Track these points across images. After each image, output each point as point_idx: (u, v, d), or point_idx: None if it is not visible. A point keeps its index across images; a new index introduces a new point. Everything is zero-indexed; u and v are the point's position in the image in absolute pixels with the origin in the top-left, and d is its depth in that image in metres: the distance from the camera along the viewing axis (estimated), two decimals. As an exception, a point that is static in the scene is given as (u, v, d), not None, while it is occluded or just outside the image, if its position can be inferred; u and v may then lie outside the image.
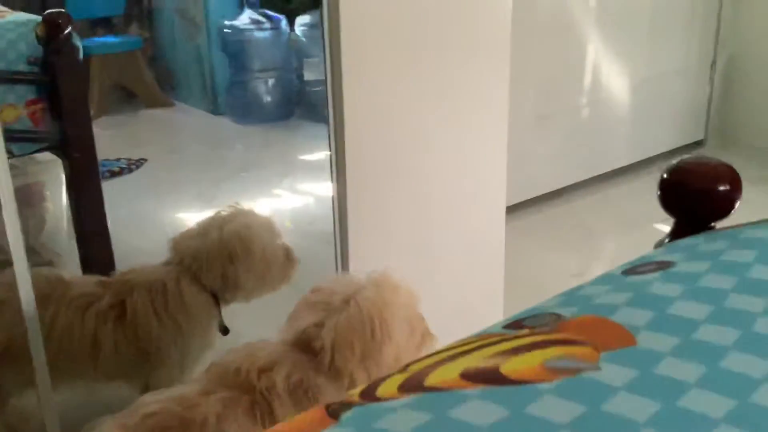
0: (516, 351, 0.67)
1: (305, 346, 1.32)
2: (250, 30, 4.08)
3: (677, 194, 1.07)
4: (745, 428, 0.56)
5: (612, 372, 0.62)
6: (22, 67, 1.95)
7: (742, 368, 0.62)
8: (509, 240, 2.13)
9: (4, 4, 2.22)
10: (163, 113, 4.29)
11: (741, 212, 1.06)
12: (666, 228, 1.11)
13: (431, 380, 0.65)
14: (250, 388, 1.24)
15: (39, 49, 1.95)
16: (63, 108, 1.95)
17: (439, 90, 1.85)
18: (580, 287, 0.83)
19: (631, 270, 0.85)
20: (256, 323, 1.82)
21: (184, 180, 3.31)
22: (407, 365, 0.70)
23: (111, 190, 2.28)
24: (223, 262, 1.63)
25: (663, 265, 0.83)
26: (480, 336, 0.74)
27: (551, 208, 3.19)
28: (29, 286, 1.42)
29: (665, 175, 1.07)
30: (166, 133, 4.16)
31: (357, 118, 1.71)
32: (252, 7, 4.13)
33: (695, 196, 1.06)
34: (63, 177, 2.17)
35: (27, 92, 1.96)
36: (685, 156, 1.12)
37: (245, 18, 4.10)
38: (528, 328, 0.73)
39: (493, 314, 2.12)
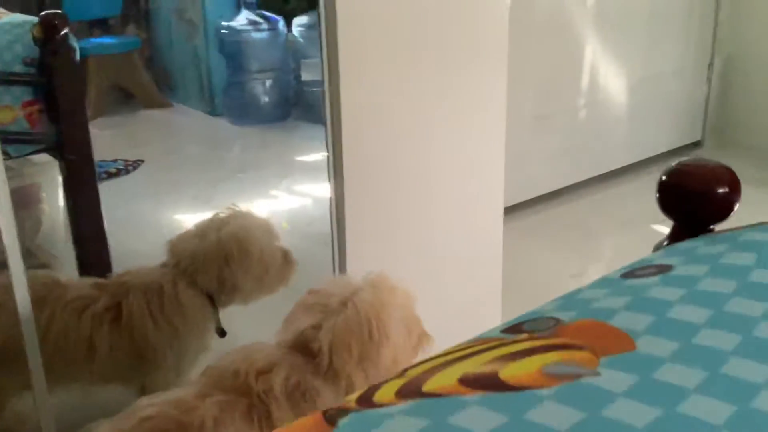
0: (515, 356, 0.67)
1: (303, 348, 1.31)
2: (248, 31, 4.08)
3: (676, 196, 1.07)
4: (746, 434, 0.56)
5: (611, 377, 0.62)
6: (19, 68, 1.95)
7: (742, 373, 0.62)
8: (507, 241, 2.12)
9: (0, 6, 2.22)
10: (161, 114, 4.29)
11: (739, 213, 1.06)
12: (664, 229, 1.10)
13: (429, 386, 0.64)
14: (247, 391, 1.23)
15: (35, 50, 1.95)
16: (59, 109, 1.94)
17: (437, 91, 1.84)
18: (578, 291, 0.82)
19: (630, 273, 0.85)
20: (253, 325, 1.81)
21: (181, 181, 3.30)
22: (405, 370, 0.70)
23: (108, 192, 2.28)
24: (219, 264, 1.63)
25: (662, 269, 0.83)
26: (478, 340, 0.73)
27: (549, 209, 3.19)
28: (25, 288, 1.41)
29: (664, 178, 1.07)
30: (164, 134, 4.15)
31: (354, 119, 1.70)
32: (249, 7, 4.12)
33: (694, 199, 1.05)
34: (59, 178, 2.16)
35: (23, 93, 1.95)
36: (684, 158, 1.12)
37: (242, 19, 4.10)
38: (527, 332, 0.72)
39: (491, 315, 2.12)
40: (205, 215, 1.73)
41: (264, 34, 4.10)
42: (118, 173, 3.29)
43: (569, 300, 0.80)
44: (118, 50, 4.22)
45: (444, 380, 0.65)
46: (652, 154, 3.59)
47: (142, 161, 3.42)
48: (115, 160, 3.36)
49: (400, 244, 1.89)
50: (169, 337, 1.63)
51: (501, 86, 1.96)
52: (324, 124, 1.71)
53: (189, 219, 2.82)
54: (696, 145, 3.84)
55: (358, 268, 1.66)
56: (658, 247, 1.04)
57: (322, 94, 1.70)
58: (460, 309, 2.04)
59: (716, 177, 1.05)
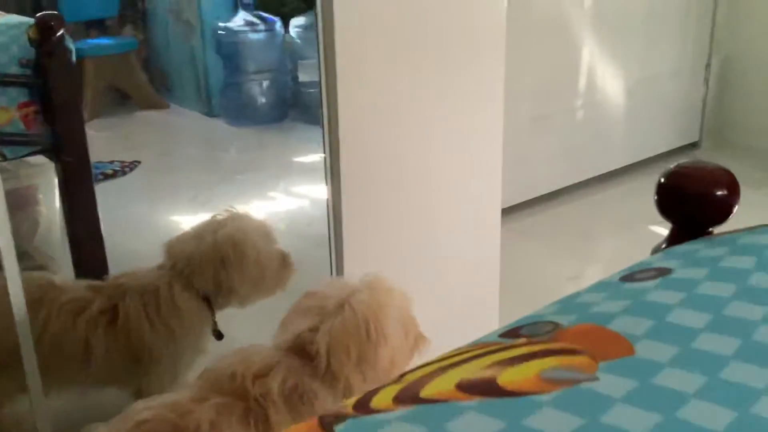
0: (513, 361, 0.66)
1: (300, 350, 1.31)
2: (245, 32, 4.07)
3: (675, 199, 1.06)
4: (747, 440, 0.55)
5: (610, 383, 0.61)
6: (15, 69, 1.94)
7: (742, 378, 0.61)
8: (505, 242, 2.12)
9: (-3, 7, 2.21)
10: (157, 115, 4.28)
11: (736, 214, 1.05)
12: (662, 230, 1.10)
13: (427, 391, 0.64)
14: (244, 395, 1.22)
15: (31, 52, 1.94)
16: (56, 111, 1.94)
17: (434, 92, 1.84)
18: (577, 294, 0.82)
19: (629, 277, 0.84)
20: (250, 328, 1.81)
21: (178, 182, 3.30)
22: (402, 375, 0.69)
23: (104, 193, 2.27)
24: (216, 266, 1.62)
25: (661, 272, 0.82)
26: (476, 345, 0.73)
27: (547, 210, 3.19)
28: (20, 290, 1.40)
29: (662, 180, 1.06)
30: (160, 135, 4.14)
31: (351, 120, 1.70)
32: (246, 8, 4.12)
33: (693, 201, 1.05)
34: (56, 180, 2.16)
35: (19, 95, 1.94)
36: (682, 160, 1.11)
37: (239, 20, 4.09)
38: (525, 336, 0.72)
39: (488, 317, 2.11)
40: (202, 217, 1.72)
41: (261, 35, 4.10)
42: (114, 175, 3.28)
43: (568, 304, 0.79)
44: (115, 51, 4.22)
45: (442, 385, 0.64)
46: (649, 155, 3.59)
47: (139, 162, 3.41)
48: (111, 162, 3.36)
49: (397, 245, 1.88)
50: (165, 340, 1.63)
51: (499, 87, 1.96)
52: (321, 125, 1.71)
53: (186, 220, 2.82)
54: (693, 146, 3.84)
55: (355, 270, 1.65)
56: (656, 250, 1.03)
57: (319, 95, 1.69)
58: (458, 310, 2.04)
59: (715, 179, 1.05)
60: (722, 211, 1.04)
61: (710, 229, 1.05)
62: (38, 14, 1.94)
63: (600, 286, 0.83)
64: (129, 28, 4.44)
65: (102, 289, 1.64)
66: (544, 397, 0.60)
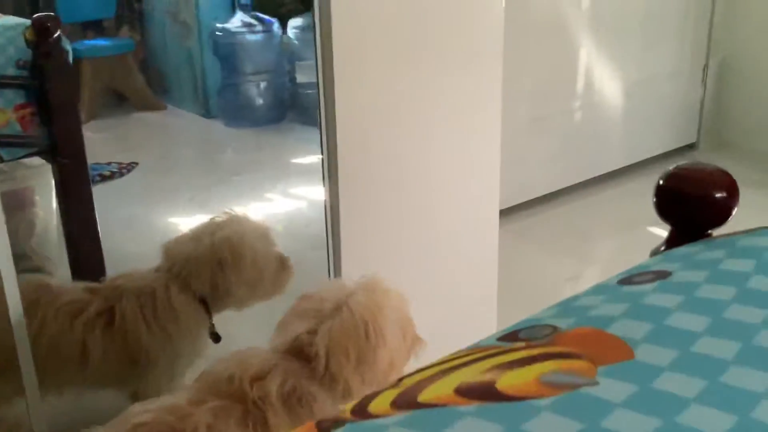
0: (512, 365, 0.66)
1: (298, 353, 1.30)
2: (242, 33, 4.07)
3: (673, 201, 1.06)
4: (747, 445, 0.55)
5: (610, 387, 0.61)
6: (11, 71, 1.93)
7: (742, 383, 0.61)
8: (503, 243, 2.12)
9: (-6, 8, 2.21)
10: (155, 116, 4.27)
11: (734, 214, 1.05)
12: (660, 231, 1.09)
13: (425, 396, 0.63)
14: (242, 397, 1.22)
15: (28, 53, 1.93)
16: (52, 112, 1.93)
17: (432, 93, 1.84)
18: (575, 297, 0.81)
19: (628, 279, 0.84)
20: (249, 330, 1.81)
21: (175, 184, 3.29)
22: (400, 379, 0.69)
23: (102, 195, 2.27)
24: (212, 268, 1.62)
25: (660, 275, 0.82)
26: (475, 348, 0.73)
27: (545, 211, 3.19)
28: (16, 292, 1.40)
29: (661, 182, 1.06)
30: (158, 137, 4.14)
31: (349, 122, 1.70)
32: (244, 9, 4.11)
33: (692, 203, 1.04)
34: (53, 182, 2.15)
35: (16, 96, 1.94)
36: (681, 162, 1.11)
37: (237, 21, 4.08)
38: (523, 340, 0.72)
39: (487, 318, 2.11)
40: (200, 218, 1.72)
41: (258, 36, 4.09)
42: (111, 176, 3.27)
43: (566, 307, 0.79)
44: (112, 52, 4.21)
45: (440, 390, 0.64)
46: (647, 156, 3.59)
47: (136, 164, 3.41)
48: (108, 163, 3.35)
49: (395, 246, 1.88)
50: (162, 342, 1.62)
51: (497, 88, 1.95)
52: (319, 126, 1.71)
53: (183, 222, 2.82)
54: (691, 147, 3.84)
55: (353, 271, 1.65)
56: (655, 252, 1.03)
57: (317, 97, 1.69)
58: (456, 311, 2.04)
59: (714, 181, 1.04)
60: (721, 213, 1.04)
61: (709, 232, 1.04)
62: (35, 15, 1.94)
63: (598, 289, 0.83)
64: (126, 30, 4.43)
65: (99, 291, 1.64)
66: (544, 402, 0.60)
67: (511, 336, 0.74)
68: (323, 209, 1.78)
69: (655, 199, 1.07)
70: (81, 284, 1.67)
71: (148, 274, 1.67)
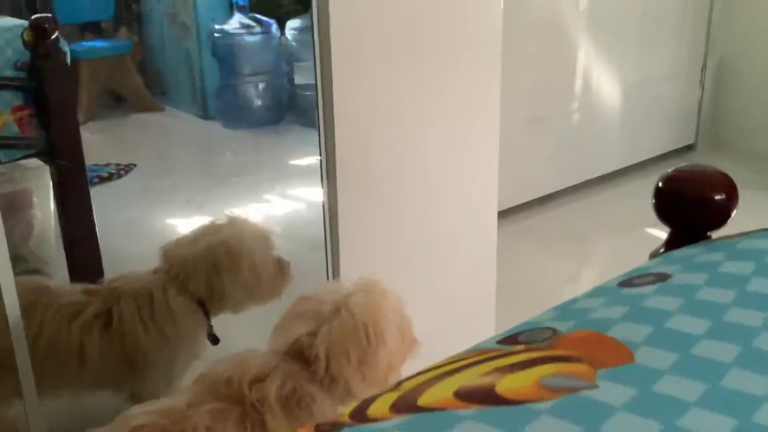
0: (512, 368, 0.66)
1: (297, 355, 1.30)
2: (240, 34, 4.07)
3: (673, 203, 1.06)
4: (748, 449, 0.55)
5: (610, 390, 0.61)
6: (9, 72, 1.93)
7: (743, 386, 0.61)
8: (501, 244, 2.12)
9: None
10: (153, 118, 4.27)
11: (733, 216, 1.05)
12: (658, 232, 1.09)
13: (424, 399, 0.63)
14: (240, 400, 1.22)
15: (26, 55, 1.93)
16: (50, 114, 1.93)
17: (431, 94, 1.83)
18: (575, 300, 0.81)
19: (627, 282, 0.83)
20: (247, 332, 1.80)
21: (173, 185, 3.29)
22: (400, 382, 0.69)
23: (100, 196, 2.27)
24: (208, 271, 1.61)
25: (659, 277, 0.82)
26: (474, 351, 0.72)
27: (543, 212, 3.19)
28: (14, 294, 1.39)
29: (660, 184, 1.06)
30: (156, 138, 4.14)
31: (347, 123, 1.69)
32: (242, 11, 4.11)
33: (691, 205, 1.04)
34: (50, 183, 2.15)
35: (13, 98, 1.94)
36: (680, 163, 1.11)
37: (235, 22, 4.08)
38: (523, 343, 0.71)
39: (485, 319, 2.11)
40: (198, 220, 1.71)
41: (257, 38, 4.09)
42: (110, 177, 3.27)
43: (566, 310, 0.78)
44: (110, 54, 4.21)
45: (439, 393, 0.64)
46: (645, 157, 3.59)
47: (134, 165, 3.41)
48: (107, 165, 3.35)
49: (393, 248, 1.88)
50: (160, 344, 1.62)
51: (495, 89, 1.95)
52: (317, 127, 1.71)
53: (182, 224, 2.81)
54: (689, 148, 3.84)
55: (351, 273, 1.65)
56: (654, 255, 1.03)
57: (315, 98, 1.69)
58: (455, 312, 2.03)
59: (713, 183, 1.04)
60: (721, 215, 1.04)
61: (709, 234, 1.04)
62: (33, 17, 1.93)
63: (598, 292, 0.83)
64: (124, 31, 4.44)
65: (97, 293, 1.63)
66: (543, 405, 0.60)
67: (510, 339, 0.73)
68: (322, 211, 1.78)
69: (654, 201, 1.07)
70: (79, 286, 1.67)
71: (146, 276, 1.67)
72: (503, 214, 2.69)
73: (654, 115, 3.63)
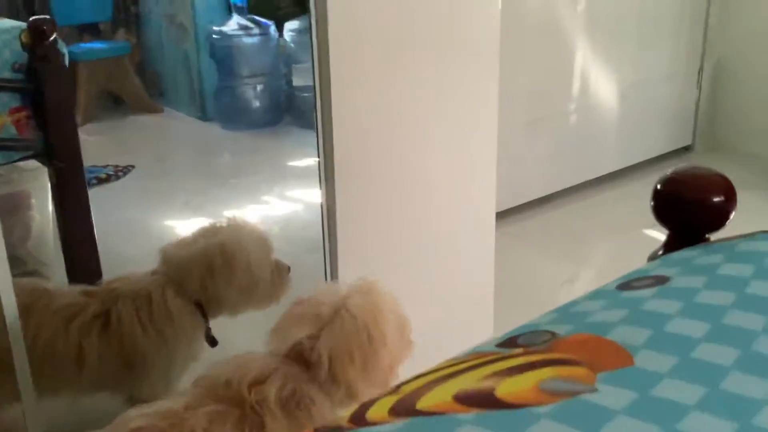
0: (511, 372, 0.66)
1: (298, 357, 1.30)
2: (239, 36, 4.06)
3: (671, 205, 1.06)
4: (748, 453, 0.55)
5: (610, 394, 0.61)
6: (7, 74, 1.93)
7: (743, 389, 0.61)
8: (499, 246, 2.12)
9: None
10: (151, 119, 4.27)
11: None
12: (656, 234, 1.09)
13: (423, 403, 0.63)
14: (240, 402, 1.22)
15: (24, 56, 1.93)
16: (48, 115, 1.93)
17: (429, 96, 1.83)
18: (574, 303, 0.81)
19: (626, 285, 0.83)
20: (246, 334, 1.80)
21: (172, 187, 3.28)
22: (399, 385, 0.68)
23: (98, 198, 2.26)
24: (202, 273, 1.61)
25: (658, 280, 0.82)
26: (473, 354, 0.72)
27: (541, 214, 3.18)
28: (12, 296, 1.39)
29: (659, 186, 1.06)
30: (154, 140, 4.13)
31: (345, 124, 1.69)
32: (240, 12, 4.11)
33: (689, 207, 1.04)
34: (49, 185, 2.15)
35: (11, 100, 1.93)
36: (679, 165, 1.11)
37: (233, 23, 4.08)
38: (522, 346, 0.71)
39: (483, 320, 2.11)
40: (196, 221, 1.71)
41: (255, 39, 4.09)
42: (108, 179, 3.27)
43: (564, 313, 0.78)
44: (108, 55, 4.21)
45: (439, 397, 0.64)
46: (643, 159, 3.59)
47: (133, 167, 3.40)
48: (105, 166, 3.35)
49: (392, 249, 1.88)
50: (158, 345, 1.61)
51: (493, 91, 1.95)
52: (315, 129, 1.70)
53: (180, 225, 2.81)
54: (686, 149, 3.84)
55: (350, 274, 1.65)
56: (653, 257, 1.03)
57: (314, 99, 1.69)
58: (453, 313, 2.03)
59: (712, 185, 1.04)
60: (719, 217, 1.04)
61: (707, 236, 1.04)
62: (31, 18, 1.93)
63: (597, 295, 0.83)
64: (122, 32, 4.43)
65: (95, 294, 1.63)
66: (543, 409, 0.59)
67: (509, 342, 0.73)
68: (320, 212, 1.77)
69: (653, 204, 1.07)
70: (77, 287, 1.66)
71: (145, 277, 1.66)
72: (501, 215, 2.68)
73: (651, 116, 3.63)
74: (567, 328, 0.73)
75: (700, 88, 3.79)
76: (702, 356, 0.65)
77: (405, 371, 1.33)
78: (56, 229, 2.16)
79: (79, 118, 3.71)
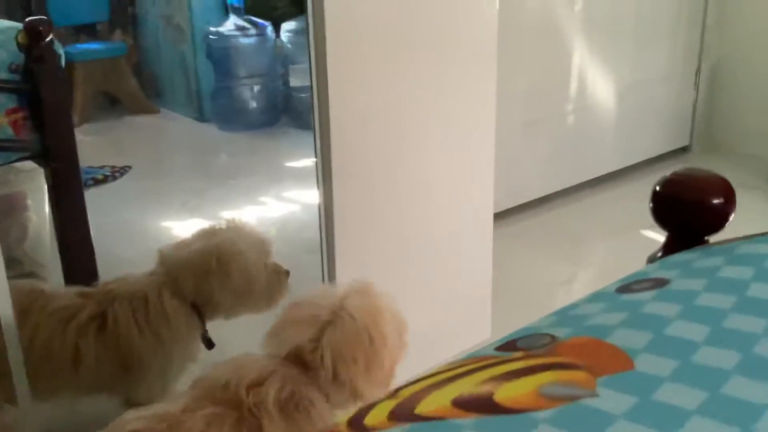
0: (510, 376, 0.65)
1: (297, 359, 1.29)
2: (236, 36, 4.05)
3: (670, 207, 1.06)
4: (749, 458, 0.54)
5: (610, 399, 0.60)
6: (3, 75, 1.92)
7: (744, 394, 0.60)
8: (497, 247, 2.12)
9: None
10: (148, 120, 4.26)
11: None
12: (654, 235, 1.09)
13: (422, 408, 0.63)
14: (237, 404, 1.21)
15: (20, 57, 1.92)
16: (45, 116, 1.92)
17: (426, 97, 1.83)
18: (573, 306, 0.81)
19: (626, 288, 0.83)
20: (243, 336, 1.79)
21: (169, 188, 3.28)
22: (397, 390, 0.68)
23: (95, 199, 2.26)
24: (198, 275, 1.60)
25: (658, 283, 0.81)
26: (472, 358, 0.72)
27: (538, 215, 3.18)
28: (8, 298, 1.39)
29: (658, 188, 1.06)
30: (151, 140, 4.13)
31: (343, 125, 1.69)
32: (237, 13, 4.10)
33: (688, 209, 1.04)
34: (45, 186, 2.14)
35: (8, 101, 1.92)
36: (673, 164, 1.11)
37: (230, 24, 4.07)
38: (522, 350, 0.71)
39: (481, 321, 2.11)
40: (193, 222, 1.71)
41: (252, 40, 4.08)
42: (105, 180, 3.26)
43: (564, 316, 0.78)
44: (105, 56, 4.20)
45: (437, 402, 0.63)
46: (640, 160, 3.59)
47: (130, 167, 3.40)
48: (102, 167, 3.34)
49: (390, 250, 1.87)
50: (154, 346, 1.61)
51: (490, 92, 1.95)
52: (312, 129, 1.70)
53: (177, 226, 2.81)
54: (684, 150, 3.84)
55: (347, 275, 1.64)
56: (652, 259, 1.02)
57: (311, 100, 1.68)
58: (451, 314, 2.03)
59: (711, 187, 1.04)
60: (718, 219, 1.04)
61: (706, 238, 1.04)
62: (27, 19, 1.92)
63: (596, 298, 0.82)
64: (119, 33, 4.42)
65: (92, 296, 1.62)
66: (542, 414, 0.59)
67: (508, 345, 0.73)
68: (317, 213, 1.77)
69: (651, 205, 1.06)
70: (74, 289, 1.66)
71: (142, 279, 1.66)
72: (499, 216, 2.68)
73: (649, 117, 3.62)
74: (567, 331, 0.73)
75: (697, 89, 3.79)
76: (702, 360, 0.65)
77: (402, 372, 1.33)
78: (53, 231, 2.15)
79: (75, 119, 3.70)
